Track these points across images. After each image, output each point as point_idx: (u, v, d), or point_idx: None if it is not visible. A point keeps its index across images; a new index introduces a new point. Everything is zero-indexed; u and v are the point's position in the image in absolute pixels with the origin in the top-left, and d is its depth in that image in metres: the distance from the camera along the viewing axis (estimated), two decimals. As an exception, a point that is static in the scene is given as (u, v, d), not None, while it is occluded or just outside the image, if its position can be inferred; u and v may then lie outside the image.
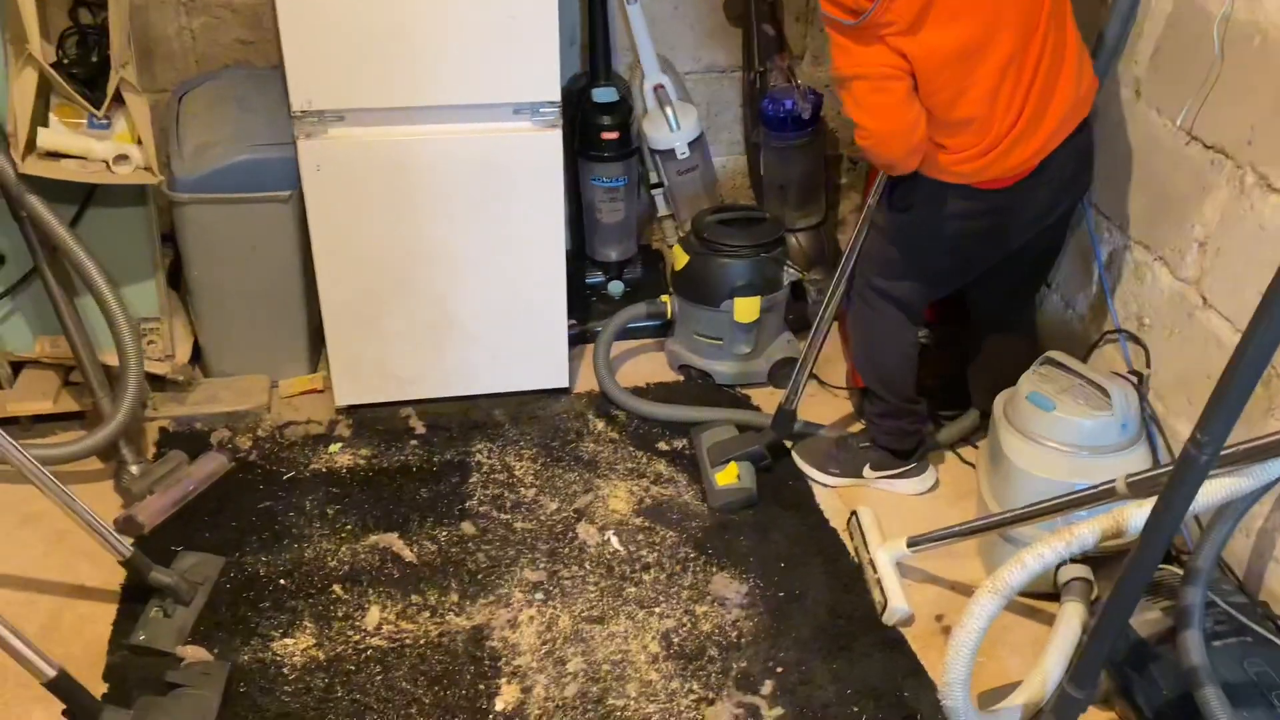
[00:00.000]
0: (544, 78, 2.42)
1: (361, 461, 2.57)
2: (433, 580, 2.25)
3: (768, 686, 2.03)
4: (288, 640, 2.10)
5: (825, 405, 2.82)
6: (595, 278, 3.17)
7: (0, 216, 2.39)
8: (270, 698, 1.98)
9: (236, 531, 2.35)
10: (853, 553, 2.35)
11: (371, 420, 2.71)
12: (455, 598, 2.21)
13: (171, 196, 2.52)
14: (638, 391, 2.83)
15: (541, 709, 1.97)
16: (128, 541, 2.11)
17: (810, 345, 2.46)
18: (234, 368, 2.77)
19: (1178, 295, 2.16)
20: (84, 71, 2.32)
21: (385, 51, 2.33)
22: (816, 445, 2.62)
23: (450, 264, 2.59)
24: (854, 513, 2.41)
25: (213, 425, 2.66)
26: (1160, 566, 1.96)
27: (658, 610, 2.19)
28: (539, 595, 2.22)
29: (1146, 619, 1.90)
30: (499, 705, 1.98)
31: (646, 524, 2.41)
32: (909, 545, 2.21)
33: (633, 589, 2.24)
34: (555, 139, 2.50)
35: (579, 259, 3.18)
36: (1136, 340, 2.29)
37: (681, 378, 2.94)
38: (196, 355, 2.77)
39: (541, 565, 2.29)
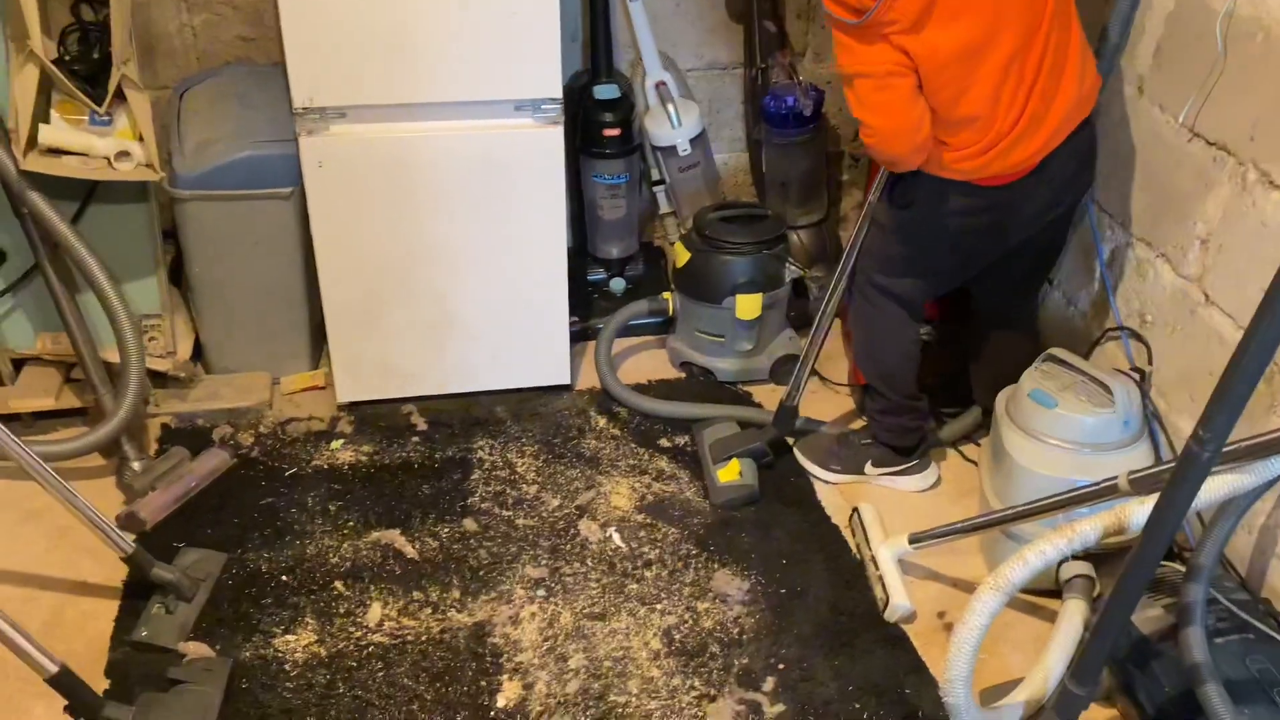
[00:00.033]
0: (545, 74, 2.42)
1: (363, 458, 2.58)
2: (434, 577, 2.25)
3: (769, 683, 2.03)
4: (290, 637, 2.10)
5: (827, 402, 2.82)
6: (597, 275, 3.17)
7: (2, 213, 2.39)
8: (272, 694, 1.98)
9: (238, 528, 2.36)
10: (854, 549, 2.36)
11: (373, 417, 2.71)
12: (457, 594, 2.21)
13: (173, 193, 2.52)
14: (639, 388, 2.83)
15: (543, 705, 1.98)
16: (130, 538, 2.10)
17: (811, 342, 2.45)
18: (236, 364, 2.77)
19: (1180, 292, 2.16)
20: (85, 68, 2.32)
21: (387, 48, 2.33)
22: (818, 442, 2.62)
23: (452, 261, 2.59)
24: (856, 510, 2.41)
25: (214, 422, 2.66)
26: (1162, 563, 1.95)
27: (659, 607, 2.19)
28: (540, 592, 2.22)
29: (1148, 616, 1.90)
30: (500, 702, 1.98)
31: (648, 521, 2.41)
32: (911, 542, 2.21)
33: (634, 586, 2.24)
34: (557, 136, 2.50)
35: (580, 256, 3.18)
36: (1138, 337, 2.29)
37: (683, 375, 2.94)
38: (198, 352, 2.77)
39: (543, 562, 2.29)
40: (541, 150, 2.50)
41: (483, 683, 2.02)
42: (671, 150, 3.08)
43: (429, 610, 2.17)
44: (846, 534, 2.40)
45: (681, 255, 2.84)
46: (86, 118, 2.31)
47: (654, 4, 3.04)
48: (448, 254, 2.58)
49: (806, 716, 1.97)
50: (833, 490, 2.54)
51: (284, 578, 2.23)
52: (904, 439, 2.50)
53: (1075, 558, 2.00)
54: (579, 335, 2.93)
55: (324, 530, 2.36)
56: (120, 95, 2.31)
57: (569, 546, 2.34)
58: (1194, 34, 2.08)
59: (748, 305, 2.77)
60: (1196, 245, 2.10)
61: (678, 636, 2.13)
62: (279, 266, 2.65)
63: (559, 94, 2.45)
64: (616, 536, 2.37)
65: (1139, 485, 1.74)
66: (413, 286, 2.61)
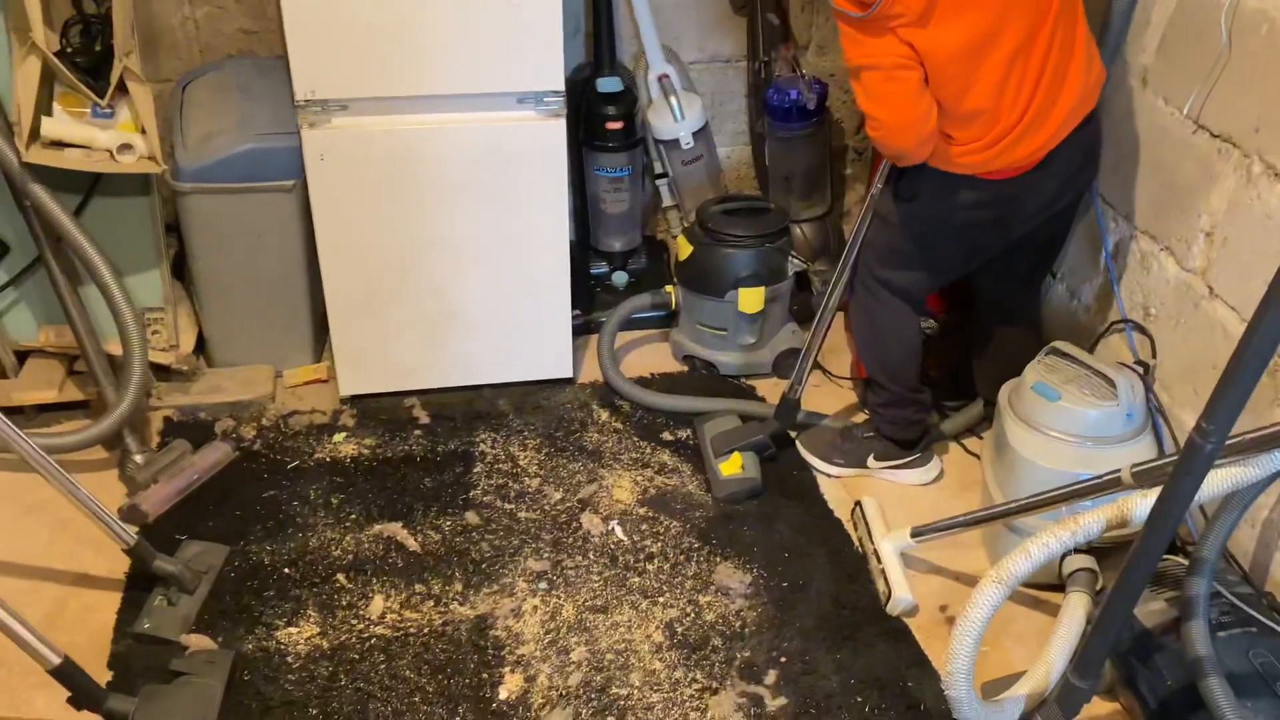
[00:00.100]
0: (548, 67, 2.42)
1: (365, 451, 2.58)
2: (436, 569, 2.25)
3: (771, 676, 2.03)
4: (292, 629, 2.10)
5: (830, 395, 2.82)
6: (599, 268, 3.17)
7: (4, 206, 2.39)
8: (274, 686, 1.98)
9: (240, 520, 2.36)
10: (857, 543, 2.35)
11: (375, 410, 2.71)
12: (459, 587, 2.21)
13: (175, 186, 2.52)
14: (642, 382, 2.83)
15: (545, 698, 1.98)
16: (132, 530, 2.11)
17: (813, 335, 2.45)
18: (238, 357, 2.77)
19: (1184, 285, 2.16)
20: (88, 60, 2.31)
21: (389, 40, 2.32)
22: (821, 435, 2.62)
23: (454, 254, 2.59)
24: (858, 503, 2.41)
25: (217, 415, 2.66)
26: (1165, 557, 1.96)
27: (661, 600, 2.19)
28: (543, 585, 2.22)
29: (1151, 609, 1.89)
30: (502, 694, 1.98)
31: (650, 514, 2.41)
32: (913, 535, 2.20)
33: (636, 579, 2.24)
34: (559, 129, 2.49)
35: (583, 249, 3.18)
36: (1142, 330, 2.28)
37: (686, 368, 2.94)
38: (201, 345, 2.77)
39: (545, 555, 2.29)
40: (544, 143, 2.50)
41: (484, 675, 2.02)
42: (674, 143, 3.07)
43: (431, 603, 2.17)
44: (849, 527, 2.40)
45: (684, 249, 2.83)
46: (89, 110, 2.31)
47: (657, -3, 3.03)
48: (450, 247, 2.58)
49: (808, 709, 1.97)
50: (835, 484, 2.54)
51: (286, 570, 2.23)
52: (906, 432, 2.50)
53: (1078, 551, 2.01)
54: (581, 329, 2.93)
55: (326, 523, 2.36)
56: (122, 88, 2.31)
57: (571, 540, 2.34)
58: (1198, 26, 2.07)
59: (750, 299, 2.76)
60: (1201, 238, 2.10)
61: (680, 629, 2.13)
62: (281, 259, 2.65)
63: (561, 87, 2.45)
64: (618, 530, 2.37)
65: (1142, 478, 1.74)
66: (415, 279, 2.60)
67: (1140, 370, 2.20)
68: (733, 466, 2.48)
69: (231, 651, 2.02)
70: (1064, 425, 2.10)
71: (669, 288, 2.89)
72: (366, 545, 2.30)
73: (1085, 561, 2.03)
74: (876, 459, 2.53)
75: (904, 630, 2.14)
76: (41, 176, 2.30)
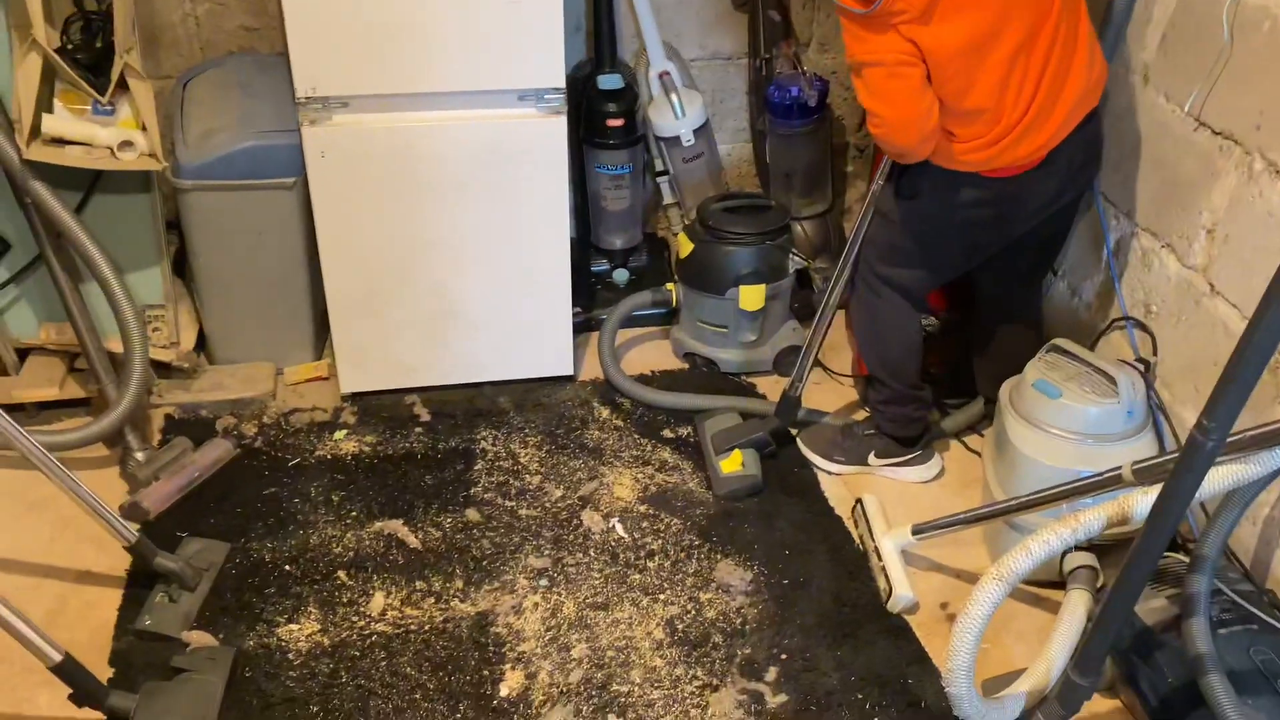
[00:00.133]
0: (549, 64, 2.42)
1: (366, 448, 2.58)
2: (437, 567, 2.25)
3: (772, 673, 2.03)
4: (293, 626, 2.10)
5: (831, 393, 2.82)
6: (600, 265, 3.17)
7: (5, 203, 2.39)
8: (275, 683, 1.98)
9: (241, 518, 2.36)
10: (857, 540, 2.35)
11: (376, 407, 2.71)
12: (460, 584, 2.21)
13: (176, 183, 2.52)
14: (642, 379, 2.83)
15: (546, 695, 1.98)
16: (133, 527, 2.11)
17: (814, 332, 2.45)
18: (239, 355, 2.77)
19: (1185, 282, 2.15)
20: (88, 57, 2.31)
21: (390, 37, 2.32)
22: (821, 433, 2.62)
23: (455, 251, 2.59)
24: (859, 500, 2.41)
25: (218, 412, 2.66)
26: (1166, 554, 1.96)
27: (662, 597, 2.19)
28: (543, 582, 2.22)
29: (1152, 607, 1.89)
30: (503, 691, 1.98)
31: (651, 511, 2.41)
32: (914, 533, 2.20)
33: (637, 576, 2.24)
34: (560, 126, 2.49)
35: (584, 247, 3.18)
36: (1143, 328, 2.28)
37: (686, 366, 2.94)
38: (201, 342, 2.77)
39: (546, 552, 2.30)
40: (545, 140, 2.50)
41: (485, 672, 2.02)
42: (675, 141, 3.07)
43: (432, 600, 2.17)
44: (849, 525, 2.40)
45: (685, 246, 2.83)
46: (89, 107, 2.31)
47: (658, -6, 3.03)
48: (451, 244, 2.58)
49: (809, 707, 1.97)
50: (836, 481, 2.54)
51: (287, 567, 2.24)
52: (907, 429, 2.50)
53: (1079, 548, 2.00)
54: (582, 326, 2.93)
55: (327, 520, 2.36)
56: (123, 85, 2.31)
57: (572, 537, 2.34)
58: (1200, 23, 2.07)
59: (751, 296, 2.76)
60: (1202, 235, 2.10)
61: (680, 626, 2.13)
62: (282, 257, 2.65)
63: (562, 84, 2.45)
64: (619, 527, 2.37)
65: (1143, 475, 1.74)
66: (416, 277, 2.60)
67: (1141, 367, 2.20)
68: (733, 464, 2.48)
69: (233, 648, 2.02)
70: (1065, 422, 2.10)
71: (670, 285, 2.89)
72: (367, 542, 2.30)
73: (1086, 559, 2.03)
74: (877, 456, 2.53)
75: (905, 627, 2.14)
76: (42, 174, 2.30)
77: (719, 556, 2.30)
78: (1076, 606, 1.93)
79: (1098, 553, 2.04)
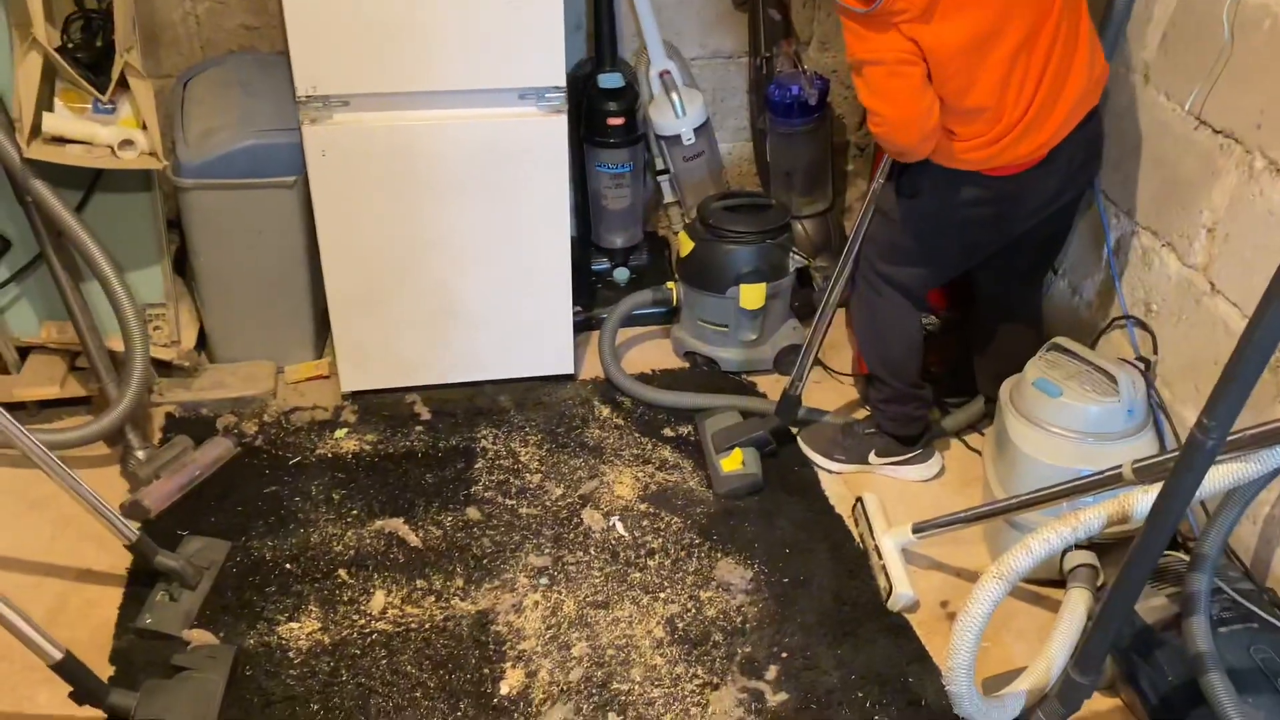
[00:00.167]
0: (549, 63, 2.41)
1: (367, 447, 2.58)
2: (438, 565, 2.25)
3: (772, 671, 2.03)
4: (293, 624, 2.10)
5: (831, 392, 2.82)
6: (601, 264, 3.17)
7: (6, 201, 2.40)
8: (275, 681, 1.98)
9: (242, 516, 2.36)
10: (858, 539, 2.35)
11: (377, 406, 2.71)
12: (460, 583, 2.21)
13: (176, 182, 2.52)
14: (643, 378, 2.83)
15: (546, 693, 1.98)
16: (134, 526, 2.11)
17: (814, 330, 2.45)
18: (240, 353, 2.78)
19: (1186, 281, 2.15)
20: (89, 56, 2.32)
21: (390, 36, 2.32)
22: (822, 431, 2.62)
23: (455, 250, 2.59)
24: (859, 499, 2.41)
25: (218, 411, 2.66)
26: (1166, 553, 1.96)
27: (662, 595, 2.19)
28: (544, 580, 2.22)
29: (1152, 605, 1.89)
30: (504, 689, 1.98)
31: (651, 510, 2.41)
32: (914, 531, 2.20)
33: (637, 574, 2.24)
34: (561, 124, 2.49)
35: (584, 245, 3.18)
36: (1144, 326, 2.28)
37: (687, 364, 2.94)
38: (202, 341, 2.78)
39: (546, 551, 2.30)
40: (545, 139, 2.50)
41: (486, 670, 2.02)
42: (676, 139, 3.07)
43: (432, 598, 2.17)
44: (850, 523, 2.40)
45: (685, 245, 2.83)
46: (90, 106, 2.31)
47: (658, -8, 3.03)
48: (451, 243, 2.58)
49: (809, 705, 1.97)
50: (836, 479, 2.54)
51: (288, 566, 2.24)
52: (907, 428, 2.50)
53: (1079, 547, 2.00)
54: (583, 325, 2.93)
55: (328, 519, 2.36)
56: (123, 83, 2.31)
57: (572, 535, 2.34)
58: (1200, 22, 2.07)
59: (752, 295, 2.76)
60: (1203, 234, 2.10)
61: (681, 625, 2.13)
62: (283, 255, 2.65)
63: (563, 82, 2.45)
64: (619, 525, 2.37)
65: (1143, 474, 1.74)
66: (416, 276, 2.60)
67: (1141, 366, 2.20)
68: (734, 462, 2.48)
69: (233, 647, 2.02)
70: (1065, 421, 2.10)
71: (670, 284, 2.89)
72: (368, 541, 2.30)
73: (1086, 557, 2.03)
74: (878, 455, 2.53)
75: (905, 626, 2.14)
76: (43, 172, 2.30)
77: (719, 555, 2.30)
78: (1077, 605, 1.93)
79: (1098, 551, 2.04)
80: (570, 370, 2.83)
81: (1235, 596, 1.83)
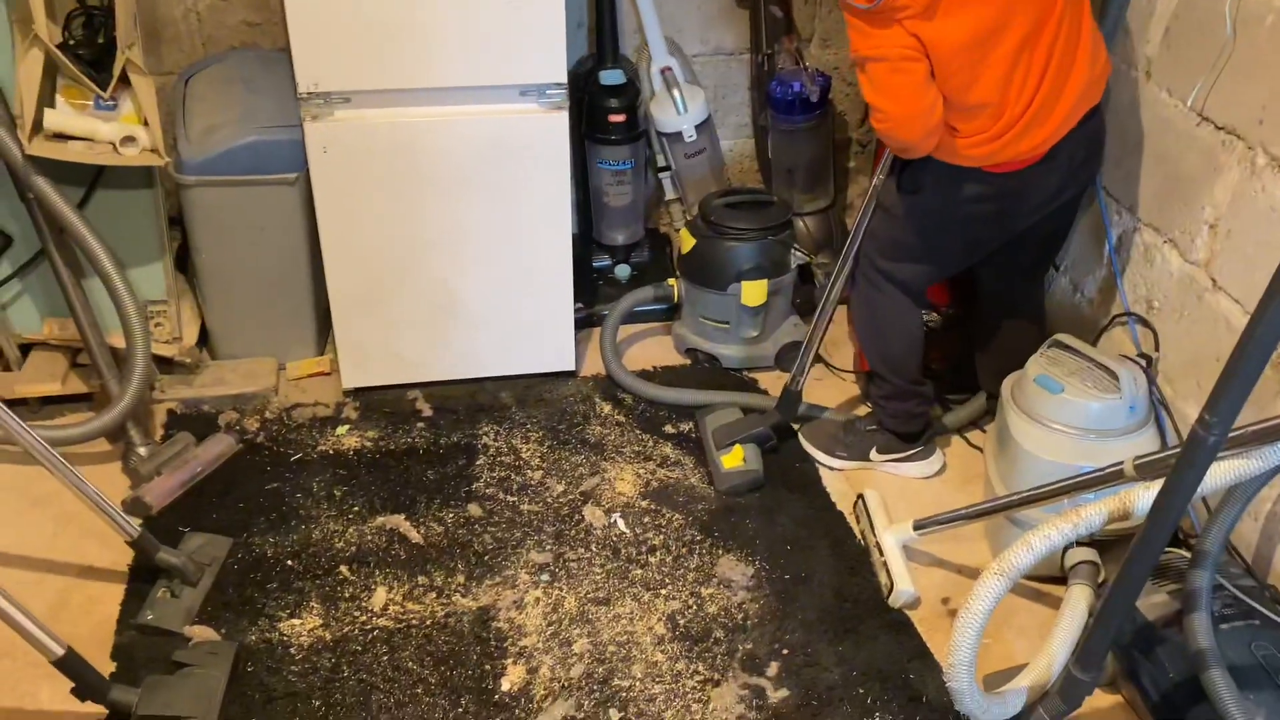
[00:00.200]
0: (551, 59, 2.41)
1: (368, 443, 2.58)
2: (439, 562, 2.25)
3: (773, 668, 2.03)
4: (295, 621, 2.10)
5: (832, 389, 2.82)
6: (602, 261, 3.17)
7: (7, 198, 2.40)
8: (277, 677, 1.98)
9: (244, 513, 2.36)
10: (859, 535, 2.35)
11: (379, 403, 2.71)
12: (461, 579, 2.21)
13: (178, 179, 2.52)
14: (644, 375, 2.83)
15: (547, 689, 1.98)
16: (135, 522, 2.11)
17: (815, 326, 2.45)
18: (241, 350, 2.78)
19: (1187, 278, 2.15)
20: (90, 53, 2.32)
21: (392, 33, 2.32)
22: (823, 428, 2.62)
23: (457, 247, 2.59)
24: (861, 495, 2.41)
25: (220, 407, 2.66)
26: (1167, 550, 1.96)
27: (664, 592, 2.19)
28: (545, 577, 2.23)
29: (1154, 602, 1.89)
30: (505, 685, 1.99)
31: (653, 506, 2.41)
32: (915, 528, 2.20)
33: (639, 571, 2.24)
34: (562, 121, 2.49)
35: (586, 242, 3.17)
36: (1145, 323, 2.28)
37: (688, 361, 2.93)
38: (204, 338, 2.78)
39: (548, 547, 2.30)
40: (547, 136, 2.50)
41: (487, 666, 2.02)
42: (677, 136, 3.07)
43: (434, 595, 2.17)
44: (851, 520, 2.40)
45: (687, 242, 2.83)
46: (91, 102, 2.31)
47: (659, -11, 3.03)
48: (453, 240, 2.58)
49: (810, 701, 1.97)
50: (838, 476, 2.54)
51: (289, 562, 2.24)
52: (909, 425, 2.50)
53: (1080, 543, 2.01)
54: (584, 322, 2.93)
55: (329, 515, 2.36)
56: (125, 80, 2.31)
57: (573, 532, 2.34)
58: (1202, 17, 2.06)
59: (753, 292, 2.76)
60: (1205, 230, 2.09)
61: (682, 621, 2.13)
62: (284, 252, 2.65)
63: (564, 79, 2.45)
64: (621, 522, 2.37)
65: (1144, 470, 1.74)
66: (418, 272, 2.60)
67: (1143, 363, 2.20)
68: (734, 459, 2.48)
69: (234, 643, 2.02)
70: (1066, 418, 2.10)
71: (671, 281, 2.89)
72: (369, 537, 2.31)
73: (1087, 554, 2.02)
74: (879, 452, 2.53)
75: (906, 623, 2.14)
76: (44, 169, 2.30)
77: (720, 552, 2.30)
78: (1078, 602, 1.93)
79: (1099, 548, 2.04)
80: (572, 367, 2.83)
81: (1236, 593, 1.83)
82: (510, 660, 2.04)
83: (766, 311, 2.83)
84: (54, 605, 2.13)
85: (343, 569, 2.22)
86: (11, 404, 2.00)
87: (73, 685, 1.78)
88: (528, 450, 2.57)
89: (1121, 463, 1.77)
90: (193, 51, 2.89)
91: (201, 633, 2.05)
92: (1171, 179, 2.20)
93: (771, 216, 2.81)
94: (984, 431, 2.63)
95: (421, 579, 2.21)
